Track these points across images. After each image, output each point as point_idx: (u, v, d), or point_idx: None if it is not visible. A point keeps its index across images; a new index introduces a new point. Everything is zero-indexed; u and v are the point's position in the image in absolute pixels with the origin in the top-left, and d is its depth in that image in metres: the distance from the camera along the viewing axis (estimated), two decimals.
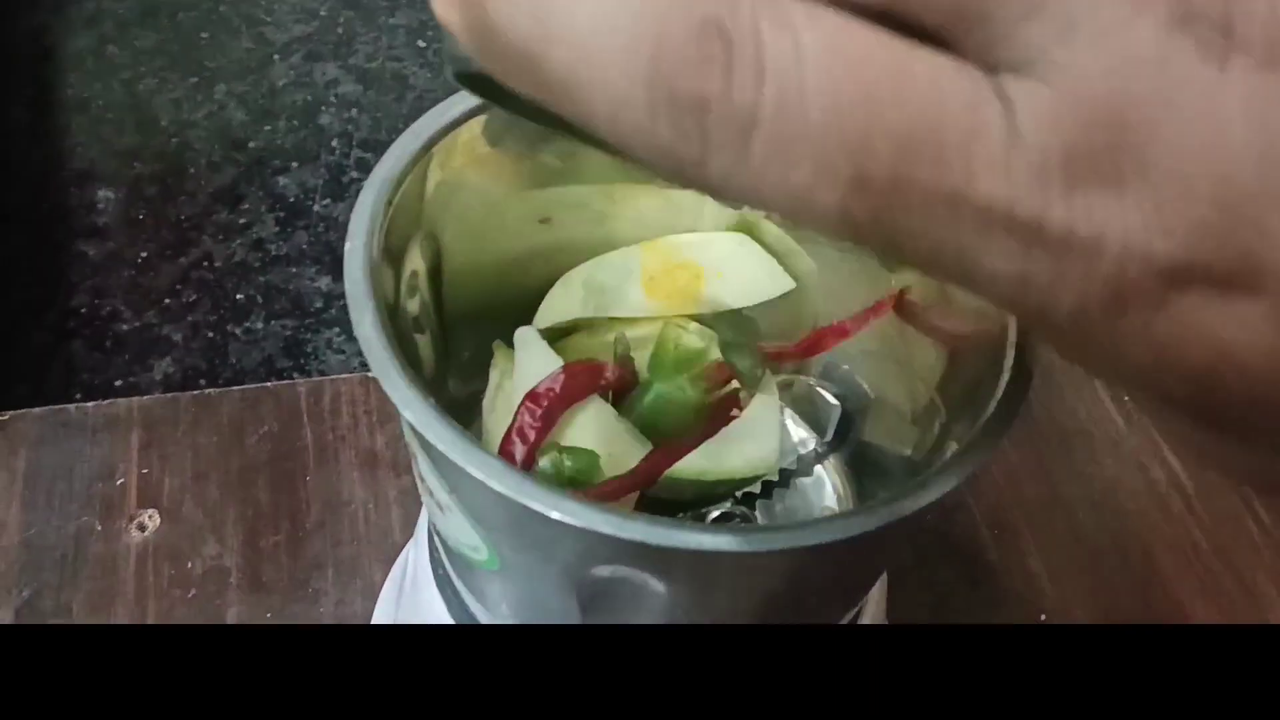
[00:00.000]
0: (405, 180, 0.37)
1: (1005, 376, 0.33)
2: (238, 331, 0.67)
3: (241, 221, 0.72)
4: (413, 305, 0.39)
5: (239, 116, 0.78)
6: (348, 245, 0.35)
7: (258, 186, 0.74)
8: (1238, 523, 0.58)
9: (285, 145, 0.77)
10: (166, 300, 0.68)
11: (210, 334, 0.66)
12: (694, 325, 0.44)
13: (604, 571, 0.32)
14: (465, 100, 0.39)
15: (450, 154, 0.39)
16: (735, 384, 0.43)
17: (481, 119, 0.39)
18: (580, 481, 0.38)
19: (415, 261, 0.39)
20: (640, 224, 0.45)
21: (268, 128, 0.77)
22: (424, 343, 0.40)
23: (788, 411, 0.45)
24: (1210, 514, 0.58)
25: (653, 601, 0.33)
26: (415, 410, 0.31)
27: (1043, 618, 0.54)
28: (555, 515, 0.29)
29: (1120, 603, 0.55)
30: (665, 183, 0.44)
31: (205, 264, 0.70)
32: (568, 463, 0.38)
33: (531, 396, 0.40)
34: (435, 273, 0.41)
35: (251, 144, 0.77)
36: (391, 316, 0.35)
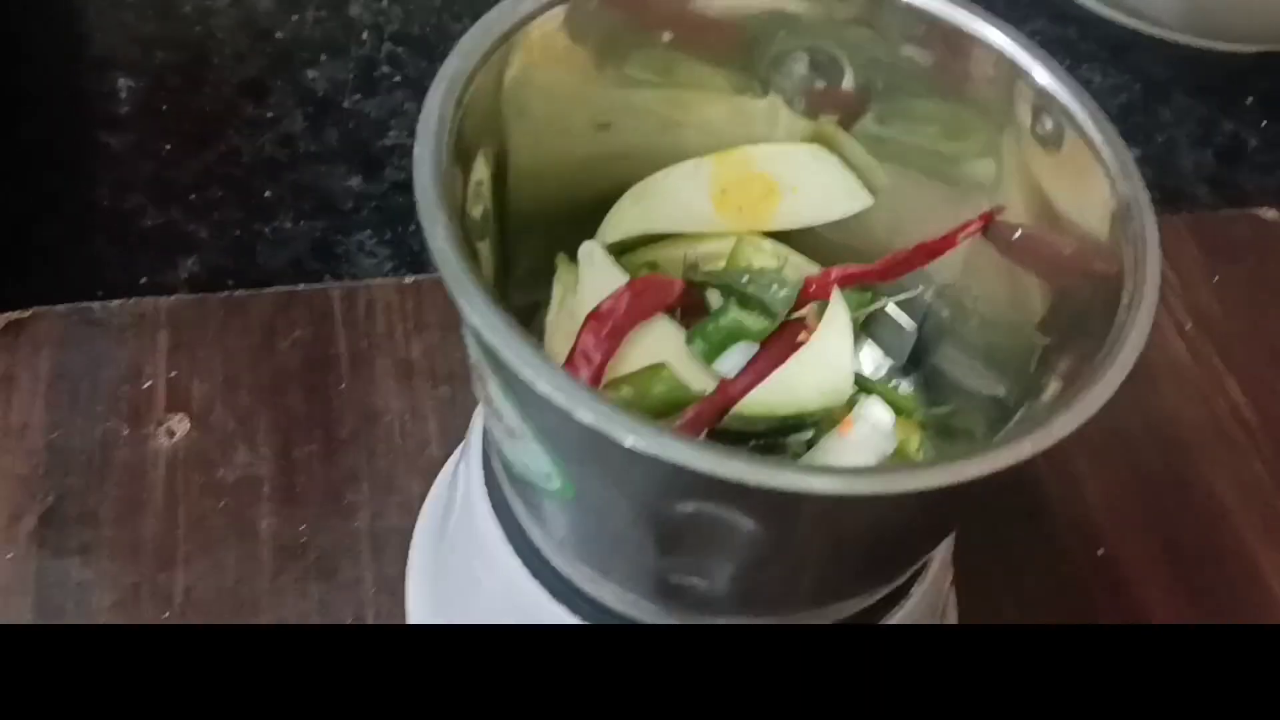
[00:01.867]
0: (476, 77, 0.35)
1: (1123, 311, 0.31)
2: (266, 230, 0.64)
3: (269, 116, 0.69)
4: (476, 212, 0.37)
5: (264, 4, 0.74)
6: (416, 150, 0.33)
7: (285, 80, 0.71)
8: None
9: (314, 36, 0.73)
10: (191, 196, 0.65)
11: (237, 232, 0.64)
12: (767, 243, 0.42)
13: (688, 507, 0.31)
14: None
15: (528, 48, 0.36)
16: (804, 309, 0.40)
17: (560, 10, 0.36)
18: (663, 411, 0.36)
19: (482, 168, 0.37)
20: (709, 133, 0.43)
21: (295, 17, 0.74)
22: (484, 251, 0.37)
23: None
24: (1274, 448, 0.56)
25: (734, 539, 0.31)
26: (497, 332, 0.29)
27: (1100, 552, 0.53)
28: (650, 450, 0.27)
29: (1180, 538, 0.53)
30: (738, 92, 0.42)
31: (231, 159, 0.67)
32: (657, 389, 0.36)
33: (595, 316, 0.38)
34: (498, 177, 0.38)
35: (278, 34, 0.73)
36: (460, 227, 0.33)
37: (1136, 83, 0.76)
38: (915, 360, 0.44)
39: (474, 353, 0.34)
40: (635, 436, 0.28)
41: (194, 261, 0.63)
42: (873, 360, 0.44)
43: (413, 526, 0.50)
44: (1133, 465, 0.55)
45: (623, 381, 0.37)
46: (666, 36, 0.39)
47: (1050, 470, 0.54)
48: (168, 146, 0.67)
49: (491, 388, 0.33)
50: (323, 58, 0.72)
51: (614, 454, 0.29)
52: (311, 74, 0.71)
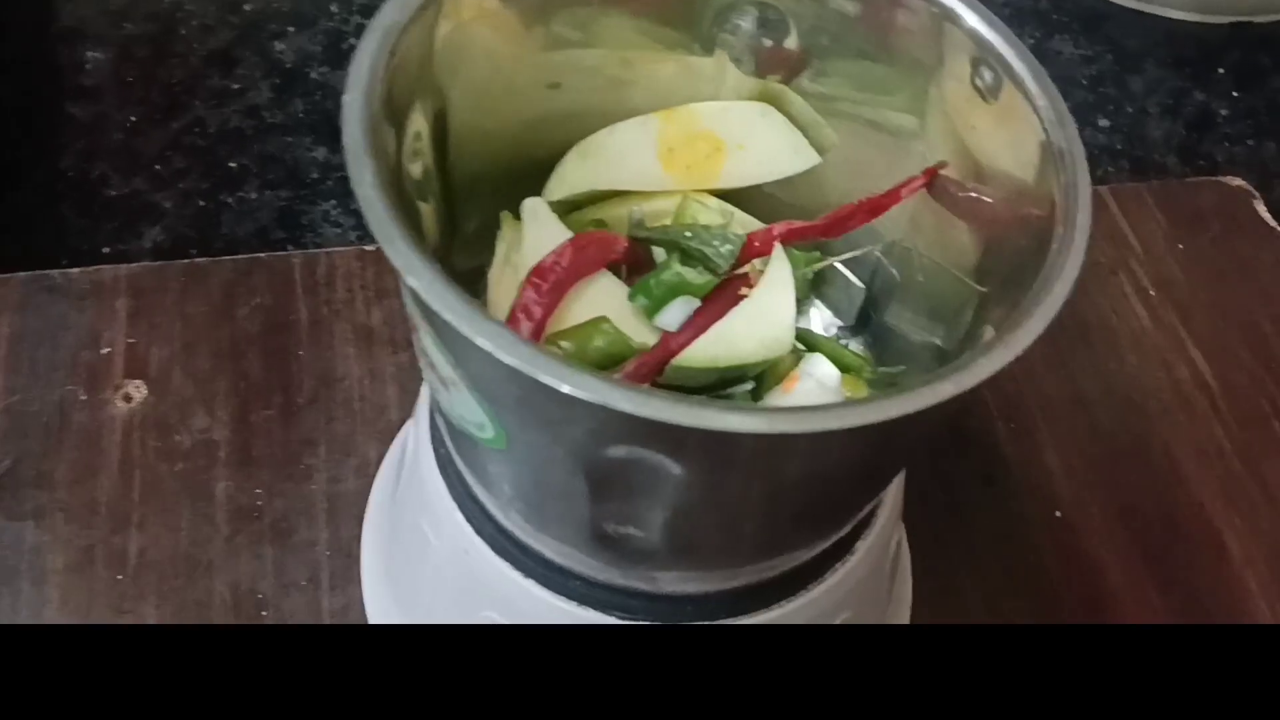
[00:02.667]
0: (409, 29, 0.35)
1: (1052, 258, 0.31)
2: (230, 200, 0.64)
3: (236, 87, 0.69)
4: (415, 170, 0.37)
5: None
6: (346, 97, 0.33)
7: (253, 51, 0.71)
8: (1263, 424, 0.56)
9: (282, 8, 0.73)
10: (157, 166, 0.65)
11: (202, 202, 0.64)
12: (713, 200, 0.42)
13: (618, 452, 0.31)
14: None
15: (458, 6, 0.36)
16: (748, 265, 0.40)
17: None
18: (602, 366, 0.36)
19: (419, 123, 0.37)
20: (657, 92, 0.43)
21: None
22: (427, 211, 0.37)
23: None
24: (1235, 415, 0.56)
25: (665, 485, 0.31)
26: (420, 276, 0.29)
27: (1058, 514, 0.53)
28: (572, 391, 0.27)
29: (1138, 502, 0.53)
30: (684, 50, 0.42)
31: (197, 130, 0.67)
32: (597, 342, 0.36)
33: (537, 271, 0.38)
34: (439, 136, 0.38)
35: (247, 6, 0.73)
36: (394, 180, 0.33)
37: (1108, 53, 0.76)
38: (864, 320, 0.44)
39: (408, 304, 0.34)
40: (556, 377, 0.28)
41: (158, 231, 0.63)
42: (822, 320, 0.44)
43: (369, 490, 0.50)
44: (1092, 430, 0.55)
45: (564, 335, 0.37)
46: None
47: (1009, 434, 0.54)
48: (134, 117, 0.67)
49: (425, 338, 0.33)
50: (290, 29, 0.72)
51: (540, 398, 0.29)
52: (279, 46, 0.72)
